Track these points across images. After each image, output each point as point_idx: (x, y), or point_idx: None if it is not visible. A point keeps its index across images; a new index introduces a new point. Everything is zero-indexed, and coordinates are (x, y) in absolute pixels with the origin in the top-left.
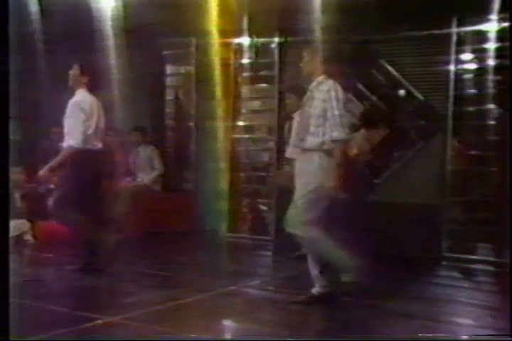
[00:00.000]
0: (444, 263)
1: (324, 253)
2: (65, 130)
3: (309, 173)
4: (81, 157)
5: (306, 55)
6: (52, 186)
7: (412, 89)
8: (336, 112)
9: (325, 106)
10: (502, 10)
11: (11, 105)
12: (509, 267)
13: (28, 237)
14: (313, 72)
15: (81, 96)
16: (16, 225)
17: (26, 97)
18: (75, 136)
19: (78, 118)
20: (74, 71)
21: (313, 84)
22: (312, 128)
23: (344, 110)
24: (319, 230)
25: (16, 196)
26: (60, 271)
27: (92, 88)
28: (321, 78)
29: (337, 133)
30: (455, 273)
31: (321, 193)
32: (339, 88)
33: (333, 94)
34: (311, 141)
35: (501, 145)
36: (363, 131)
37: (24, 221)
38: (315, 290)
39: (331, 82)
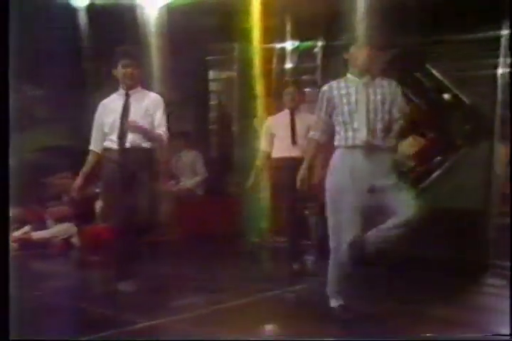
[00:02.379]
0: (491, 270)
1: None
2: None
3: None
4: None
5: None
6: (98, 190)
7: (458, 93)
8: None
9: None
10: None
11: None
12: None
13: (75, 241)
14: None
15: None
16: (63, 228)
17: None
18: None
19: (164, 112)
20: (128, 68)
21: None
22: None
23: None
24: None
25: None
26: (102, 273)
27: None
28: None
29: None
30: (502, 281)
31: None
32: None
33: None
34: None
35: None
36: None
37: (71, 224)
38: None
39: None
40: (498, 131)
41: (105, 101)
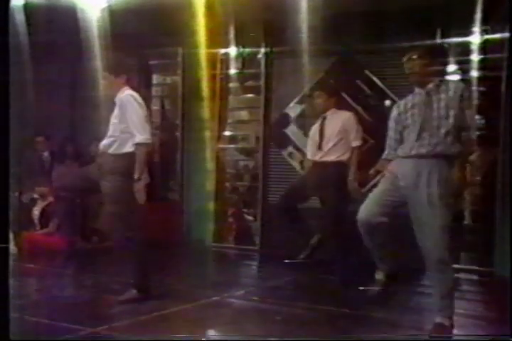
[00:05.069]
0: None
1: None
2: (118, 128)
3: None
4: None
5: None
6: (36, 196)
7: (397, 99)
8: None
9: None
10: (485, 22)
11: None
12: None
13: (11, 247)
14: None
15: (130, 92)
16: None
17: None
18: (145, 131)
19: (141, 113)
20: (109, 77)
21: (430, 86)
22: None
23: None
24: None
25: None
26: (41, 282)
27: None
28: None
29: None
30: None
31: None
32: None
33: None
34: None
35: (485, 155)
36: None
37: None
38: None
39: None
40: None
41: None
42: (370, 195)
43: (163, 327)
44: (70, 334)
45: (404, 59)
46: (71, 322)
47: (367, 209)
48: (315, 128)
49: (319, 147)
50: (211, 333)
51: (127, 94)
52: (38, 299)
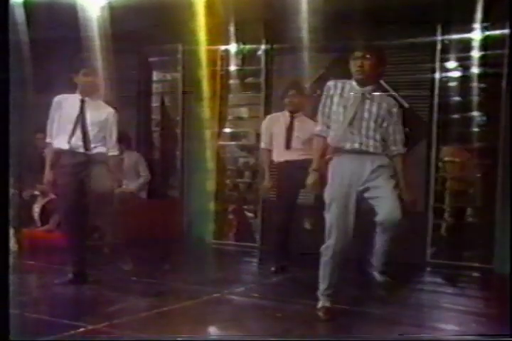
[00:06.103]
0: (429, 269)
1: None
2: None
3: None
4: None
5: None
6: (36, 193)
7: (396, 96)
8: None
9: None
10: (485, 18)
11: None
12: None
13: (12, 244)
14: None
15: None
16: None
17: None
18: (115, 145)
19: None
20: (89, 77)
21: (367, 89)
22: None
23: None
24: None
25: None
26: (41, 279)
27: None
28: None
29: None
30: (440, 279)
31: None
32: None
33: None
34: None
35: (486, 151)
36: None
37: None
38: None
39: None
40: (435, 134)
41: (59, 98)
42: (336, 226)
43: (163, 324)
44: (69, 330)
45: (355, 55)
46: (72, 319)
47: (342, 242)
48: (278, 128)
49: (287, 146)
50: (212, 330)
51: (113, 110)
52: (36, 296)
